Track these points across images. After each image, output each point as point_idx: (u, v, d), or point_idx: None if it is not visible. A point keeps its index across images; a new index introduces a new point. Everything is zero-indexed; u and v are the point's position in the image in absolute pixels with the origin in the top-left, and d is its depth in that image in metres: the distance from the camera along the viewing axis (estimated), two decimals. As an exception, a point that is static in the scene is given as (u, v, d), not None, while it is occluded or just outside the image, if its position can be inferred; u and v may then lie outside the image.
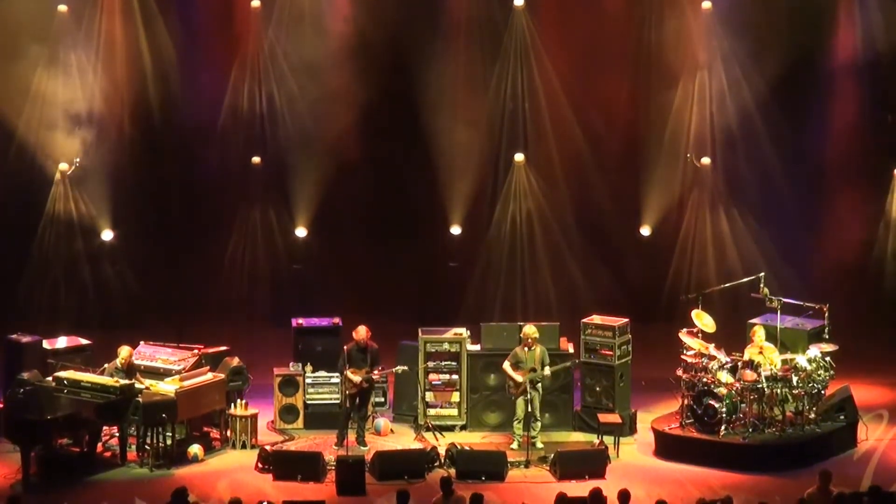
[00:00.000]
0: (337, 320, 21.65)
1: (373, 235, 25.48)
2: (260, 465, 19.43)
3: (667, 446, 20.00)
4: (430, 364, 20.95)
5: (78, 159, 24.43)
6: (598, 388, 20.91)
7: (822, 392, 20.25)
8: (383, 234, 25.57)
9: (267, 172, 25.52)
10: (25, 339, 21.32)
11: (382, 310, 24.20)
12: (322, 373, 21.10)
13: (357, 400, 20.12)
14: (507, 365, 20.07)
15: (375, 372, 20.15)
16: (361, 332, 20.19)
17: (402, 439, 20.65)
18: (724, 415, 19.62)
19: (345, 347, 20.23)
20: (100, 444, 19.85)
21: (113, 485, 18.97)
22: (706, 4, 24.68)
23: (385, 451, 19.63)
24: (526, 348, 20.01)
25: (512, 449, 19.87)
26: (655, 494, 18.13)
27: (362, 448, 19.96)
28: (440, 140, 25.16)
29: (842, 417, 20.29)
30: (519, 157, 25.07)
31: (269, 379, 21.17)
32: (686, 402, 20.04)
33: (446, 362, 21.01)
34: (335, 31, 24.87)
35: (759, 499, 18.24)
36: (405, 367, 20.75)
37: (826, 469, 16.58)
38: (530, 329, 20.15)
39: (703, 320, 20.52)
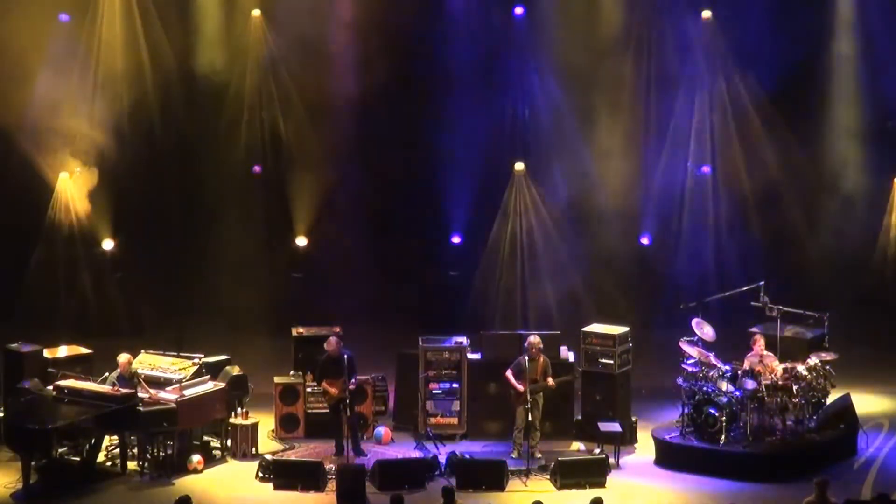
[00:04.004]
0: (337, 329, 21.64)
1: (373, 244, 25.48)
2: (260, 475, 19.43)
3: (667, 455, 19.99)
4: (431, 373, 20.95)
5: (79, 168, 24.45)
6: (598, 397, 20.91)
7: (823, 401, 20.25)
8: (383, 242, 25.57)
9: (267, 181, 25.54)
10: (26, 348, 21.33)
11: (382, 318, 24.25)
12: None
13: (341, 410, 20.07)
14: (509, 373, 20.07)
15: (352, 383, 20.09)
16: (332, 342, 20.18)
17: (403, 448, 20.64)
18: (724, 423, 19.61)
19: (320, 358, 20.21)
20: (100, 454, 19.84)
21: (113, 494, 18.97)
22: (706, 13, 24.72)
23: (385, 460, 19.64)
24: (530, 357, 19.98)
25: (513, 458, 19.87)
26: (655, 503, 18.14)
27: (360, 456, 19.93)
28: (440, 149, 25.20)
29: (842, 426, 20.28)
30: (519, 165, 25.08)
31: (270, 388, 21.18)
32: (686, 410, 20.03)
33: (446, 371, 21.00)
34: (336, 35, 24.92)
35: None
36: (381, 375, 20.72)
37: (823, 477, 16.50)
38: (535, 339, 20.14)
39: (704, 329, 20.52)
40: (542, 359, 20.04)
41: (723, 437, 19.62)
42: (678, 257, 25.24)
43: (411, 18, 24.87)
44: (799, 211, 25.26)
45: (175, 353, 21.13)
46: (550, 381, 19.97)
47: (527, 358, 20.00)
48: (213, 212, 25.40)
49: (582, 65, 24.88)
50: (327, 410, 20.67)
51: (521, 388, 19.90)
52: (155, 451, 19.51)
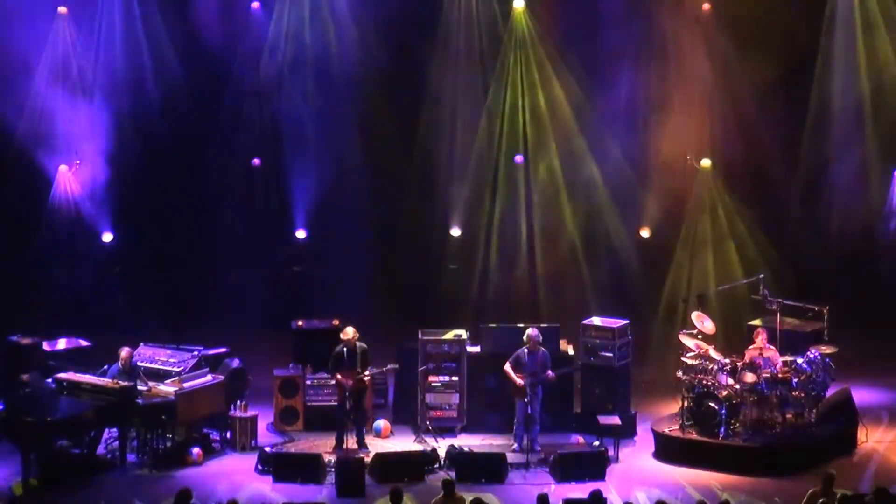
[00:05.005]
0: (336, 322, 21.64)
1: (372, 237, 25.48)
2: (260, 467, 19.43)
3: (667, 448, 19.99)
4: (430, 366, 20.94)
5: (78, 161, 24.42)
6: (597, 390, 20.91)
7: (822, 394, 20.25)
8: (383, 235, 25.59)
9: (267, 174, 25.54)
10: (25, 341, 21.35)
11: (382, 311, 24.23)
12: (322, 374, 21.08)
13: (351, 402, 20.11)
14: (508, 366, 20.06)
15: (366, 374, 20.13)
16: (349, 332, 20.19)
17: (402, 441, 20.64)
18: (723, 417, 19.61)
19: (335, 350, 20.24)
20: (100, 446, 19.84)
21: (113, 487, 18.96)
22: (706, 6, 24.68)
23: (385, 453, 19.64)
24: (529, 351, 19.98)
25: (513, 451, 19.87)
26: (655, 496, 18.15)
27: (362, 450, 19.96)
28: (440, 141, 25.20)
29: (841, 419, 20.29)
30: (519, 158, 25.04)
31: (269, 381, 21.18)
32: (686, 403, 20.04)
33: (446, 364, 20.99)
34: (335, 34, 24.93)
35: (758, 501, 18.31)
36: (395, 366, 20.75)
37: (830, 471, 16.56)
38: (533, 332, 20.14)
39: (703, 322, 20.52)
40: (540, 351, 20.04)
41: (722, 430, 19.62)
42: (677, 250, 25.19)
43: (411, 10, 24.86)
44: (798, 202, 25.23)
45: (174, 346, 21.15)
46: (550, 373, 19.98)
47: (526, 351, 20.01)
48: (212, 204, 25.39)
49: (581, 58, 24.87)
50: (326, 403, 20.72)
51: (520, 381, 19.90)
52: (154, 443, 19.50)
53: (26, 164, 24.41)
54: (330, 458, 19.46)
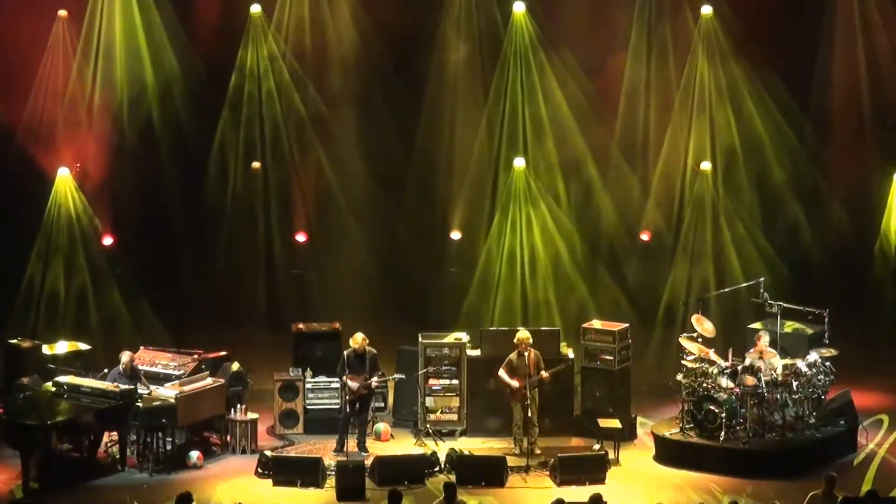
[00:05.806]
0: (336, 325, 21.64)
1: (372, 240, 25.48)
2: (260, 471, 19.42)
3: (667, 451, 19.98)
4: (430, 369, 20.93)
5: (78, 165, 24.41)
6: (597, 393, 20.90)
7: (823, 397, 20.24)
8: (383, 238, 25.57)
9: (266, 177, 25.53)
10: (25, 344, 21.33)
11: (382, 315, 24.20)
12: (322, 378, 21.07)
13: (357, 406, 20.14)
14: (502, 372, 20.04)
15: (374, 380, 20.14)
16: (358, 338, 20.19)
17: (402, 444, 20.63)
18: (724, 420, 19.60)
19: (344, 353, 20.26)
20: (100, 450, 19.83)
21: (112, 490, 18.95)
22: (706, 10, 24.66)
23: (385, 457, 19.63)
24: (520, 353, 19.96)
25: (514, 454, 19.85)
26: (655, 499, 18.14)
27: (363, 453, 19.95)
28: (440, 145, 25.20)
29: (842, 422, 20.28)
30: (519, 162, 25.04)
31: (269, 384, 21.17)
32: (686, 407, 20.03)
33: (446, 367, 20.99)
34: (335, 34, 24.93)
35: (759, 504, 18.34)
36: (402, 376, 20.76)
37: (832, 473, 16.55)
38: (523, 334, 20.11)
39: (703, 325, 20.51)
40: (532, 353, 20.01)
41: (722, 433, 19.61)
42: (678, 253, 25.18)
43: (411, 12, 24.87)
44: (799, 205, 25.21)
45: (174, 350, 21.15)
46: (544, 373, 19.93)
47: (517, 354, 19.97)
48: (212, 207, 25.38)
49: (582, 61, 24.88)
50: (326, 406, 20.72)
51: (516, 384, 19.88)
52: (154, 446, 19.49)
53: (26, 165, 24.39)
54: (330, 462, 19.45)
